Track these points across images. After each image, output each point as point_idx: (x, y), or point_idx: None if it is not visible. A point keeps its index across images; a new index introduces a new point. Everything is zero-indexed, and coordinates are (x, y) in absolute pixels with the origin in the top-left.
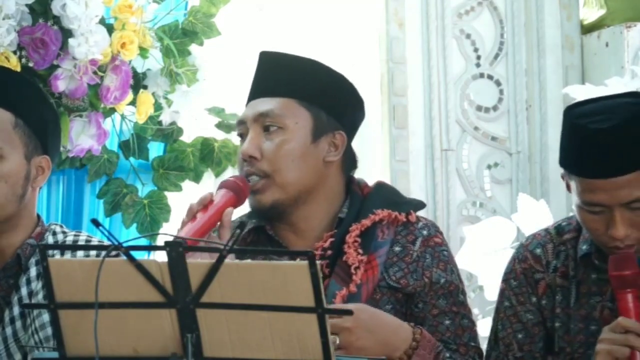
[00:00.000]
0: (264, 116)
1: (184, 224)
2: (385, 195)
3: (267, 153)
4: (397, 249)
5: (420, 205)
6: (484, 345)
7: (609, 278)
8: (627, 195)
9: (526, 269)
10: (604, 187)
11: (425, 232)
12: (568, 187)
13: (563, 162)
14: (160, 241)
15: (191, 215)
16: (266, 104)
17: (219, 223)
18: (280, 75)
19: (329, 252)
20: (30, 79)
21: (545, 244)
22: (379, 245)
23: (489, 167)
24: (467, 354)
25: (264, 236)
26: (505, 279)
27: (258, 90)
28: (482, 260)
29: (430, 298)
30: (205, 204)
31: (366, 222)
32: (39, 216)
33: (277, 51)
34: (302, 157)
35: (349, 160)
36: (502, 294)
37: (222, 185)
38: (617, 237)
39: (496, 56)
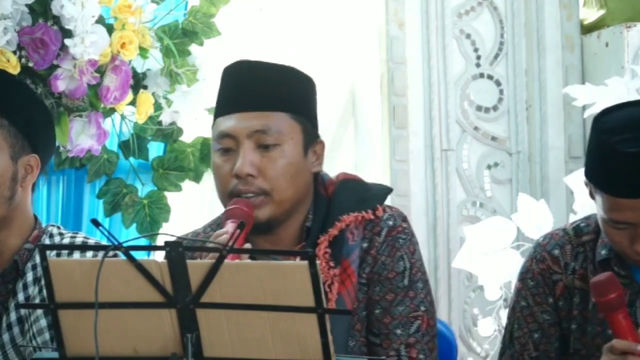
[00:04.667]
0: (262, 133)
1: None
2: (350, 193)
3: (266, 171)
4: (365, 245)
5: (386, 191)
6: (485, 343)
7: (596, 304)
8: None
9: (544, 270)
10: (631, 206)
11: (390, 223)
12: (591, 196)
13: (589, 175)
14: (160, 241)
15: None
16: (260, 120)
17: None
18: (267, 87)
19: None
20: (17, 78)
21: (564, 245)
22: (351, 250)
23: (489, 167)
24: (388, 348)
25: None
26: (522, 279)
27: (244, 103)
28: (482, 260)
29: (369, 288)
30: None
31: (333, 232)
32: (36, 218)
33: (256, 60)
34: (297, 172)
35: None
36: (518, 293)
37: (230, 215)
38: None
39: (496, 56)
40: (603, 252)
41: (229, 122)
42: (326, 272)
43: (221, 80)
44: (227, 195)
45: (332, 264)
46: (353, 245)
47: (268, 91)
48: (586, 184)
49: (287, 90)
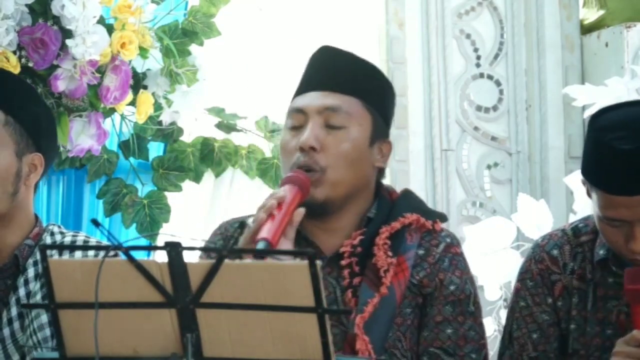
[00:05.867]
0: (331, 111)
1: (261, 221)
2: (413, 202)
3: (328, 147)
4: (421, 252)
5: (443, 217)
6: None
7: (624, 291)
8: None
9: (542, 270)
10: (626, 203)
11: (448, 240)
12: (588, 194)
13: (585, 172)
14: (160, 241)
15: (269, 212)
16: (332, 99)
17: None
18: (346, 72)
19: (359, 249)
20: (23, 80)
21: (562, 245)
22: (408, 248)
23: (488, 167)
24: None
25: None
26: (521, 279)
27: (321, 82)
28: (482, 260)
29: (438, 303)
30: (280, 201)
31: (396, 225)
32: (37, 217)
33: (340, 48)
34: (358, 159)
35: (383, 169)
36: (517, 293)
37: (287, 181)
38: (637, 252)
39: (496, 56)
40: (601, 252)
41: (303, 99)
42: (383, 260)
43: (306, 64)
44: (289, 167)
45: (390, 253)
46: (410, 245)
47: (345, 75)
48: (583, 183)
49: (364, 80)
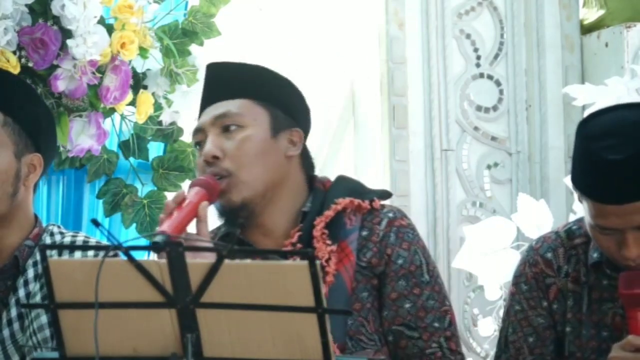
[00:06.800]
0: (222, 117)
1: (162, 220)
2: (347, 185)
3: (230, 151)
4: (364, 233)
5: (385, 194)
6: (485, 343)
7: (619, 295)
8: None
9: (537, 274)
10: (617, 212)
11: (391, 215)
12: (580, 200)
13: (575, 181)
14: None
15: (168, 212)
16: (221, 107)
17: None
18: (232, 79)
19: (299, 246)
20: (23, 80)
21: (556, 248)
22: (349, 232)
23: (488, 167)
24: (430, 340)
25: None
26: (516, 283)
27: (211, 97)
28: (482, 260)
29: (390, 280)
30: (179, 201)
31: (329, 213)
32: (36, 217)
33: (224, 61)
34: (264, 152)
35: (307, 160)
36: (512, 297)
37: (193, 184)
38: (630, 258)
39: (496, 56)
40: (595, 255)
41: (200, 119)
42: (323, 249)
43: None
44: None
45: (329, 242)
46: (351, 229)
47: (229, 82)
48: (574, 189)
49: (250, 81)
